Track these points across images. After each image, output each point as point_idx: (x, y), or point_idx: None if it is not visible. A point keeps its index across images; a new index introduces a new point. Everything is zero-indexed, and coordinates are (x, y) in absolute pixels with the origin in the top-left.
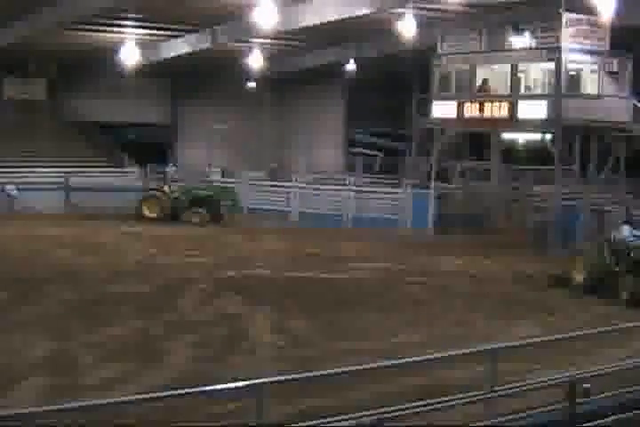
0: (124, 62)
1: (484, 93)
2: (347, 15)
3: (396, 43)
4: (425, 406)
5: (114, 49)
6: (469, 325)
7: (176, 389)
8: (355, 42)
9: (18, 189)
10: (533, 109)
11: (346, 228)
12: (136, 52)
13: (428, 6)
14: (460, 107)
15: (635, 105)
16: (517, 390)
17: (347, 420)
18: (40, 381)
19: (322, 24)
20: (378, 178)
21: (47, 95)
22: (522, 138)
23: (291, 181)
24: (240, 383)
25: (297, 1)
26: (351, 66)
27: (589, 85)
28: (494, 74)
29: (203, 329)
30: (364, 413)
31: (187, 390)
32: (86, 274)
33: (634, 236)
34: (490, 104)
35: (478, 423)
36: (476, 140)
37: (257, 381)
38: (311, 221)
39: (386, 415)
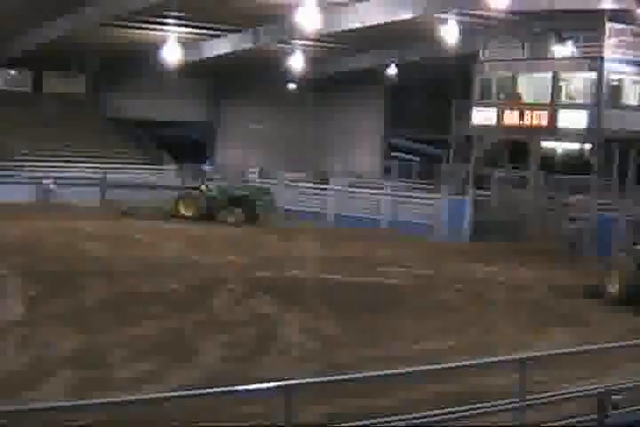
0: (165, 60)
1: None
2: (389, 19)
3: (439, 48)
4: (454, 413)
5: (156, 47)
6: (501, 333)
7: (205, 388)
8: (397, 46)
9: (55, 184)
10: (574, 119)
11: (382, 232)
12: (178, 51)
13: (472, 12)
14: (501, 114)
15: None
16: (547, 400)
17: (374, 424)
18: (69, 377)
19: (364, 28)
20: (415, 183)
21: (88, 91)
22: (561, 147)
23: (328, 183)
24: (269, 384)
25: (340, 4)
26: (392, 70)
27: (631, 96)
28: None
29: (234, 329)
30: (393, 418)
31: (215, 390)
32: (121, 271)
33: None
34: (530, 112)
35: None
36: (515, 148)
37: (286, 382)
38: (347, 224)
39: (414, 422)
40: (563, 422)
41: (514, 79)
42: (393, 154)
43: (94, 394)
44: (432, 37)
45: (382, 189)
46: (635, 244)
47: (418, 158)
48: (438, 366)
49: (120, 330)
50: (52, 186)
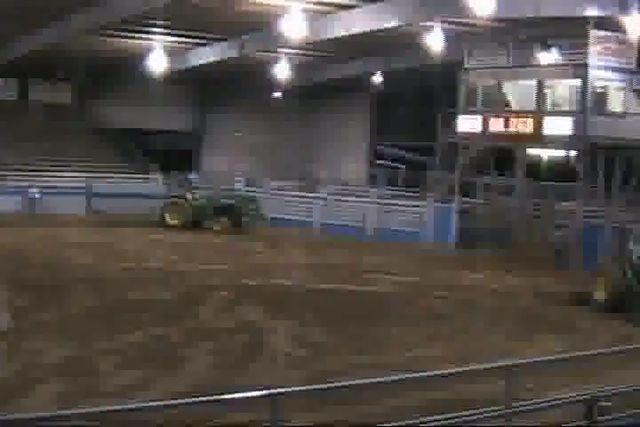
0: (151, 69)
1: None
2: (374, 28)
3: (424, 56)
4: (441, 420)
5: (142, 56)
6: (490, 340)
7: (192, 397)
8: (382, 54)
9: (41, 193)
10: (559, 126)
11: (368, 240)
12: (164, 60)
13: (457, 20)
14: (486, 121)
15: None
16: (535, 406)
17: None
18: (57, 385)
19: (349, 36)
20: (401, 191)
21: (74, 100)
22: (546, 154)
23: (314, 191)
24: (255, 393)
25: (325, 12)
26: (378, 78)
27: (616, 103)
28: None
29: (222, 337)
30: (381, 425)
31: (202, 399)
32: (107, 280)
33: None
34: (515, 120)
35: None
36: (501, 156)
37: (272, 391)
38: (333, 232)
39: None
40: None
41: (499, 87)
42: (379, 161)
43: (82, 403)
44: (418, 45)
45: (368, 196)
46: (621, 250)
47: (404, 166)
48: (426, 374)
49: (109, 338)
50: (37, 195)
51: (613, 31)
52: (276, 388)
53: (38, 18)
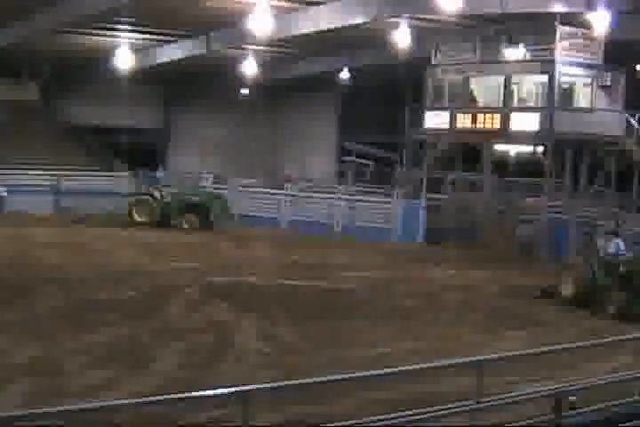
0: (117, 67)
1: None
2: (341, 24)
3: (391, 53)
4: (409, 416)
5: (108, 53)
6: (457, 336)
7: (161, 395)
8: (350, 51)
9: (8, 191)
10: (526, 122)
11: (336, 237)
12: (130, 57)
13: (423, 17)
14: (453, 118)
15: (627, 119)
16: (503, 402)
17: None
18: (24, 385)
19: (316, 32)
20: (369, 187)
21: (40, 98)
22: (514, 150)
23: (282, 189)
24: (226, 390)
25: (292, 9)
26: (345, 74)
27: (582, 99)
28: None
29: (190, 336)
30: (349, 422)
31: (172, 397)
32: (75, 279)
33: (622, 249)
34: (482, 116)
35: None
36: (469, 152)
37: (243, 388)
38: (301, 228)
39: (371, 425)
40: (519, 424)
41: (466, 83)
42: (347, 158)
43: (50, 402)
44: (384, 42)
45: (337, 193)
46: (588, 245)
47: (372, 163)
48: (394, 370)
49: (76, 338)
50: (4, 193)
51: (579, 27)
52: (244, 386)
53: (3, 16)
